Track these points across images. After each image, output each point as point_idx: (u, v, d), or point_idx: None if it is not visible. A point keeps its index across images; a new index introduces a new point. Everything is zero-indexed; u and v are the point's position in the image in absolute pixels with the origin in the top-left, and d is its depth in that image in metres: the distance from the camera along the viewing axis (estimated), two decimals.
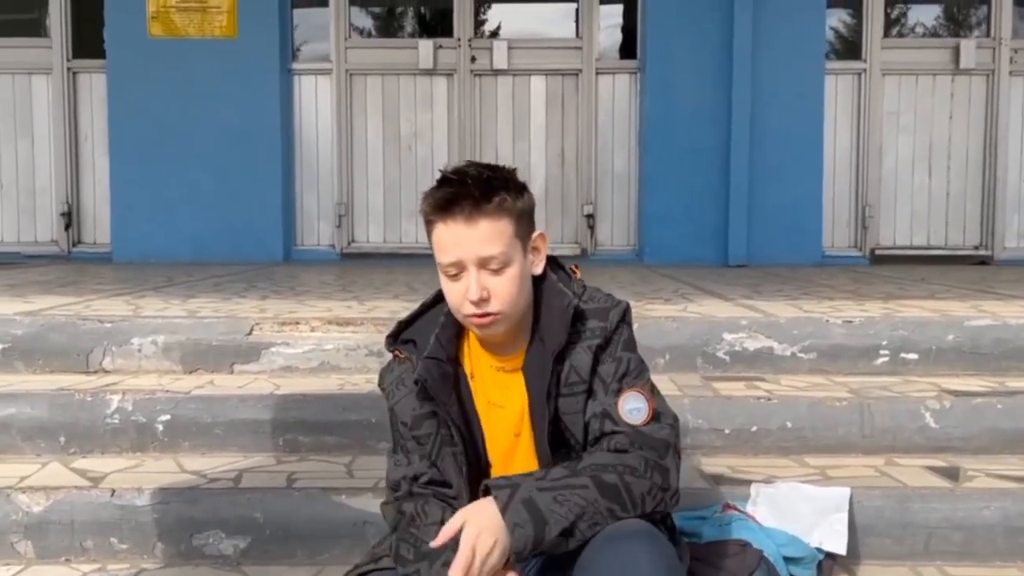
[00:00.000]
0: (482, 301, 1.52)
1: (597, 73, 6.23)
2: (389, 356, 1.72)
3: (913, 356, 2.91)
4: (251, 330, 2.96)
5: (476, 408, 1.65)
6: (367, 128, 6.30)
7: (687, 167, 5.91)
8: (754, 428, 2.52)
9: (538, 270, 1.63)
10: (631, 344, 1.63)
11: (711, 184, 5.91)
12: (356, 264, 5.94)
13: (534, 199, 1.62)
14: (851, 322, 2.98)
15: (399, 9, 6.63)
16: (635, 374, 1.60)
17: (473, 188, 1.51)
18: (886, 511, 2.19)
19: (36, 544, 2.20)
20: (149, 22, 6.02)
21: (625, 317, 1.63)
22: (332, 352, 2.91)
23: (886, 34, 6.30)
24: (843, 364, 2.91)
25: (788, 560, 2.01)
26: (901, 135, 6.28)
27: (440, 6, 6.48)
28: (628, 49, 6.35)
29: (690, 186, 5.93)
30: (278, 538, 2.19)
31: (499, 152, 6.25)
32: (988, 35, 6.28)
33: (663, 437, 1.54)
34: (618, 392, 1.56)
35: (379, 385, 1.72)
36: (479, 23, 6.40)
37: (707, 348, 2.92)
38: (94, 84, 6.32)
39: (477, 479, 1.57)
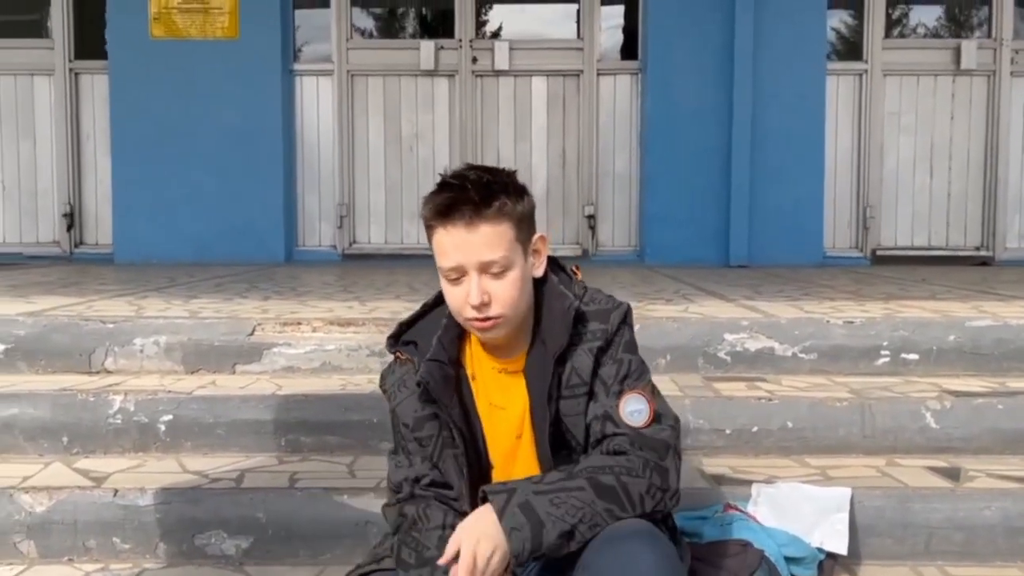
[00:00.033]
0: (483, 305, 1.53)
1: (598, 74, 6.23)
2: (390, 356, 1.72)
3: (914, 357, 2.92)
4: (253, 330, 2.96)
5: (477, 410, 1.65)
6: (368, 129, 6.31)
7: (688, 168, 5.92)
8: (755, 428, 2.52)
9: (539, 273, 1.63)
10: (632, 346, 1.63)
11: (712, 185, 5.91)
12: (357, 265, 5.95)
13: (534, 202, 1.62)
14: (852, 323, 2.98)
15: (400, 10, 6.63)
16: (636, 376, 1.60)
17: (473, 193, 1.51)
18: (887, 511, 2.20)
19: (39, 544, 2.21)
20: (151, 23, 6.02)
21: (626, 319, 1.63)
22: (334, 352, 2.92)
23: (887, 35, 6.30)
24: (844, 364, 2.92)
25: (789, 560, 2.01)
26: (902, 136, 6.29)
27: (441, 7, 6.48)
28: (629, 50, 6.35)
29: (691, 187, 5.93)
30: (280, 538, 2.20)
31: (500, 153, 6.26)
32: (989, 36, 6.28)
33: (663, 438, 1.55)
34: (619, 394, 1.57)
35: (380, 386, 1.73)
36: (480, 24, 6.40)
37: (708, 349, 2.92)
38: (96, 85, 6.33)
39: (478, 480, 1.58)
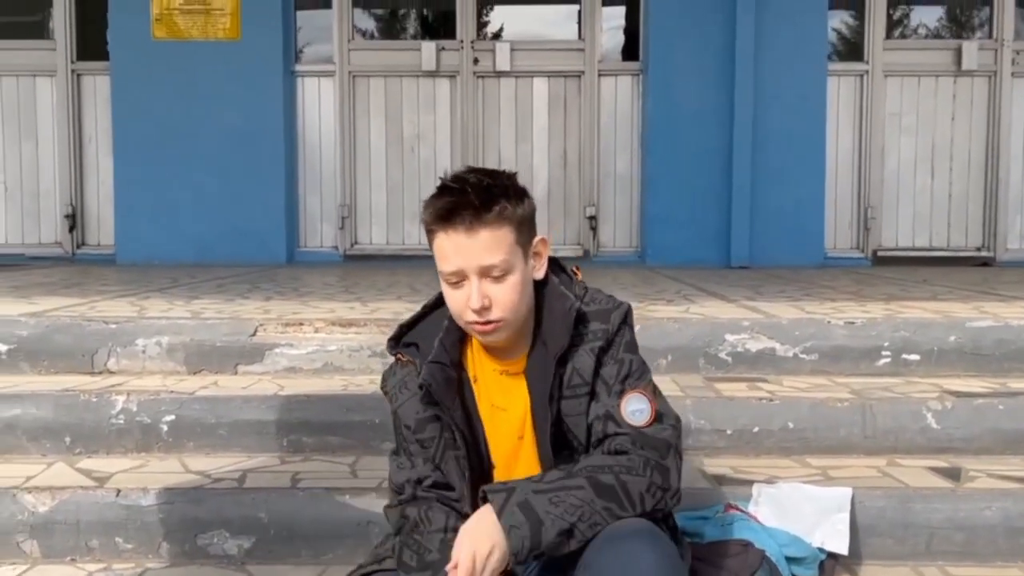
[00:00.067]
0: (484, 309, 1.53)
1: (599, 75, 6.24)
2: (392, 357, 1.72)
3: (915, 357, 2.92)
4: (255, 331, 2.97)
5: (479, 412, 1.66)
6: (370, 130, 6.31)
7: (689, 169, 5.92)
8: (756, 429, 2.53)
9: (539, 275, 1.63)
10: (633, 346, 1.64)
11: (713, 186, 5.91)
12: (359, 266, 5.96)
13: (535, 204, 1.63)
14: (853, 323, 2.98)
15: (402, 11, 6.64)
16: (637, 375, 1.61)
17: (474, 197, 1.51)
18: (888, 511, 2.20)
19: (42, 544, 2.21)
20: (153, 24, 6.03)
21: (627, 319, 1.64)
22: (335, 353, 2.92)
23: (888, 35, 6.30)
24: (845, 365, 2.92)
25: (790, 560, 2.02)
26: (903, 136, 6.29)
27: (443, 8, 6.49)
28: (630, 51, 6.36)
29: (692, 188, 5.93)
30: (282, 538, 2.20)
31: (502, 154, 6.26)
32: (990, 37, 6.28)
33: (665, 438, 1.55)
34: (621, 394, 1.57)
35: (382, 388, 1.73)
36: (481, 25, 6.41)
37: (709, 349, 2.93)
38: (98, 86, 6.34)
39: (480, 482, 1.58)
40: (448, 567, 1.44)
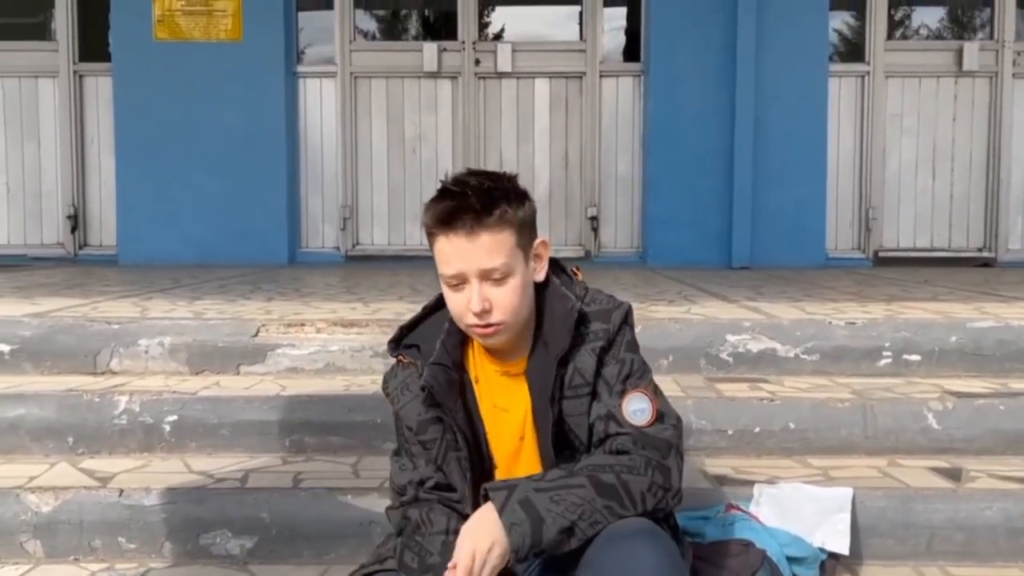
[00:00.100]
0: (484, 312, 1.54)
1: (601, 76, 6.25)
2: (392, 359, 1.73)
3: (916, 358, 2.92)
4: (257, 332, 2.98)
5: (480, 412, 1.66)
6: (371, 131, 6.32)
7: (691, 169, 5.93)
8: (757, 429, 2.53)
9: (540, 277, 1.64)
10: (634, 345, 1.64)
11: (715, 186, 5.92)
12: (360, 266, 5.96)
13: (535, 207, 1.63)
14: (854, 324, 2.99)
15: (403, 12, 6.65)
16: (638, 375, 1.61)
17: (474, 201, 1.51)
18: (889, 511, 2.21)
19: (45, 543, 2.22)
20: (155, 25, 6.04)
21: (627, 319, 1.64)
22: (337, 353, 2.93)
23: (889, 36, 6.31)
24: (846, 365, 2.92)
25: (791, 560, 2.02)
26: (904, 137, 6.29)
27: (444, 9, 6.50)
28: (632, 52, 6.36)
29: (694, 188, 5.94)
30: (284, 538, 2.21)
31: (503, 155, 6.27)
32: (991, 37, 6.29)
33: (666, 438, 1.56)
34: (622, 393, 1.58)
35: (383, 390, 1.73)
36: (483, 26, 6.42)
37: (710, 350, 2.93)
38: (100, 87, 6.35)
39: (481, 482, 1.58)
40: (449, 565, 1.44)
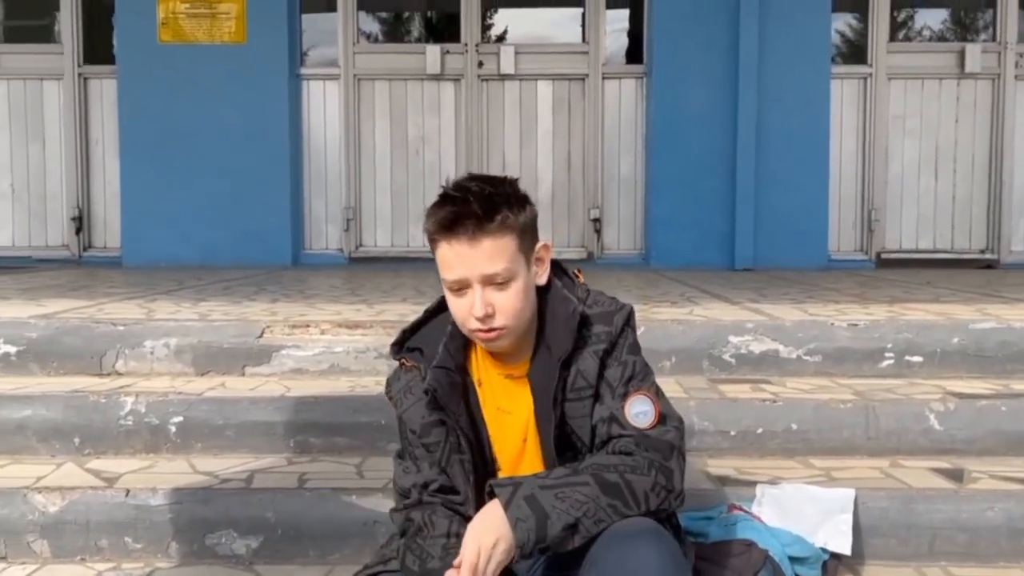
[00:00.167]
0: (487, 317, 1.55)
1: (603, 78, 6.26)
2: (395, 362, 1.74)
3: (918, 359, 2.93)
4: (262, 333, 2.99)
5: (484, 415, 1.67)
6: (375, 133, 6.34)
7: (693, 171, 5.94)
8: (760, 430, 2.54)
9: (542, 280, 1.65)
10: (636, 347, 1.65)
11: (717, 188, 5.93)
12: (364, 268, 5.98)
13: (536, 210, 1.63)
14: (856, 325, 3.00)
15: (407, 14, 6.67)
16: (641, 377, 1.62)
17: (476, 207, 1.52)
18: (891, 512, 2.21)
19: (52, 543, 2.23)
20: (159, 28, 6.06)
21: (629, 321, 1.65)
22: (342, 355, 2.94)
23: (892, 38, 6.31)
24: (848, 367, 2.93)
25: (793, 560, 2.03)
26: (907, 139, 6.30)
27: (447, 11, 6.52)
28: (634, 54, 6.37)
29: (696, 190, 5.95)
30: (290, 538, 2.22)
31: (506, 157, 6.29)
32: (994, 39, 6.29)
33: (669, 440, 1.57)
34: (624, 396, 1.59)
35: (386, 393, 1.74)
36: (486, 28, 6.43)
37: (713, 351, 2.94)
38: (104, 89, 6.37)
39: (485, 484, 1.59)
40: (454, 563, 1.46)
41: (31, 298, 3.81)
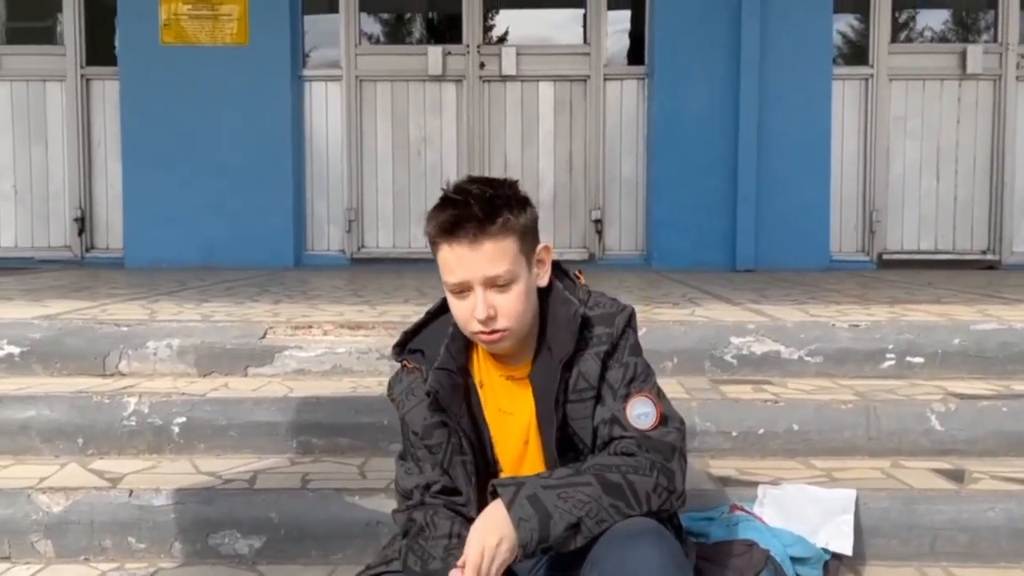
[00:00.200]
0: (489, 319, 1.55)
1: (605, 79, 6.27)
2: (397, 363, 1.74)
3: (919, 360, 2.94)
4: (264, 334, 3.00)
5: (485, 416, 1.67)
6: (377, 134, 6.35)
7: (695, 172, 5.94)
8: (761, 431, 2.55)
9: (543, 282, 1.65)
10: (637, 348, 1.66)
11: (719, 189, 5.93)
12: (366, 269, 5.99)
13: (537, 212, 1.64)
14: (857, 326, 3.00)
15: (408, 16, 6.68)
16: (642, 378, 1.63)
17: (477, 209, 1.53)
18: (892, 512, 2.22)
19: (56, 543, 2.24)
20: (161, 29, 6.07)
21: (630, 322, 1.66)
22: (344, 355, 2.95)
23: (893, 39, 6.31)
24: (849, 367, 2.94)
25: (794, 560, 2.04)
26: (908, 140, 6.30)
27: (449, 12, 6.53)
28: (636, 55, 6.38)
29: (698, 191, 5.95)
30: (292, 538, 2.23)
31: (508, 158, 6.29)
32: (995, 40, 6.29)
33: (670, 441, 1.57)
34: (626, 397, 1.59)
35: (388, 395, 1.75)
36: (487, 29, 6.44)
37: (715, 352, 2.95)
38: (107, 91, 6.38)
39: (486, 486, 1.59)
40: (457, 564, 1.46)
41: (34, 299, 3.82)
